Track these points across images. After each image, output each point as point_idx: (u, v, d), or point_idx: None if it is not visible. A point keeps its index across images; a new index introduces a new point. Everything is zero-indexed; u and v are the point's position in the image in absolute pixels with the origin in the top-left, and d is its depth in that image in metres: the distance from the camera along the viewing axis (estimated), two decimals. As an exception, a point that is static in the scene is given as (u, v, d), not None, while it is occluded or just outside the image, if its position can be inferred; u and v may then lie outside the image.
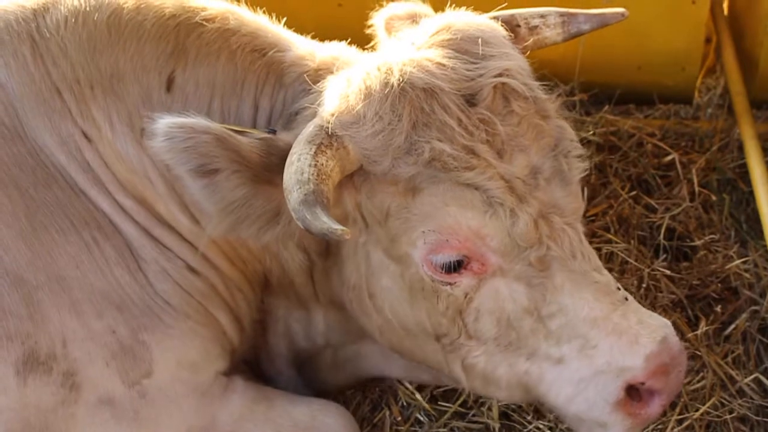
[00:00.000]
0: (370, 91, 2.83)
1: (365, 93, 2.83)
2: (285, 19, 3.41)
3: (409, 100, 2.79)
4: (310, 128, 2.81)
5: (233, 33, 3.23)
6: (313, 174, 2.67)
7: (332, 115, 2.82)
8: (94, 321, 3.05)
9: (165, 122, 2.77)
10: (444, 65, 2.87)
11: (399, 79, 2.81)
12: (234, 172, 2.82)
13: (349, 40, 3.38)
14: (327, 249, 3.25)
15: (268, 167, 2.85)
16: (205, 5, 3.27)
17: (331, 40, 3.38)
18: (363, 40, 3.41)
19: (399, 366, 3.64)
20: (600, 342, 2.87)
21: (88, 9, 3.16)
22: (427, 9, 3.31)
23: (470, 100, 2.85)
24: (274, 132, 3.03)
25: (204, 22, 3.21)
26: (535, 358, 2.96)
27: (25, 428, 2.95)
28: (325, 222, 2.57)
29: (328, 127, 2.79)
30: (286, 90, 3.21)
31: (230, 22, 3.24)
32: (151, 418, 3.12)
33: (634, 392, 2.91)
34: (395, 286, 3.03)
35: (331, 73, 3.05)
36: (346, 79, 2.91)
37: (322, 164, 2.71)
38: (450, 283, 2.92)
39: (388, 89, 2.81)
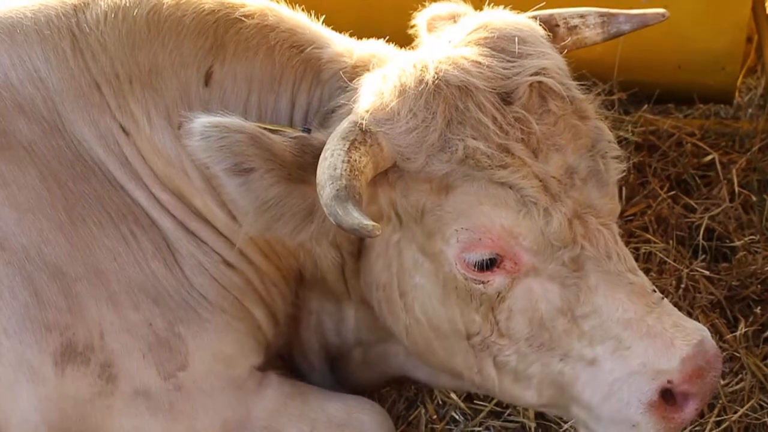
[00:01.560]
0: (405, 88, 2.83)
1: (400, 90, 2.83)
2: (323, 17, 3.42)
3: (443, 98, 2.79)
4: (344, 124, 2.81)
5: (272, 29, 3.24)
6: (346, 170, 2.67)
7: (366, 111, 2.83)
8: (131, 313, 3.08)
9: (201, 122, 2.80)
10: (480, 63, 2.87)
11: (434, 77, 2.81)
12: (268, 171, 2.83)
13: (386, 38, 3.38)
14: (359, 247, 3.26)
15: (302, 166, 2.86)
16: (244, 2, 3.29)
17: (368, 38, 3.39)
18: (401, 40, 3.40)
19: (423, 369, 3.65)
20: (634, 344, 2.85)
21: (127, 5, 3.19)
22: (468, 9, 3.30)
23: (506, 99, 2.85)
24: (308, 131, 3.04)
25: (243, 18, 3.22)
26: (568, 359, 2.95)
27: (62, 419, 2.99)
28: (356, 218, 2.58)
29: (362, 124, 2.79)
30: (323, 87, 3.22)
31: (269, 19, 3.26)
32: (186, 410, 3.14)
33: (668, 396, 2.88)
34: (428, 283, 3.03)
35: (368, 70, 3.06)
36: (382, 76, 2.92)
37: (356, 160, 2.71)
38: (483, 282, 2.91)
39: (422, 86, 2.81)
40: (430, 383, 3.79)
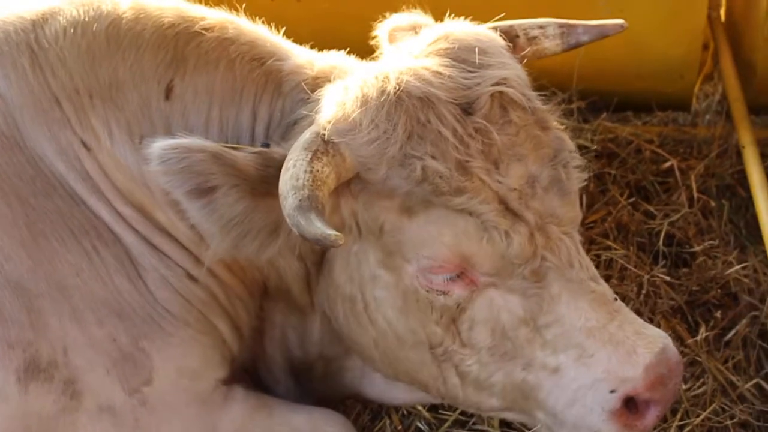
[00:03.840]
0: (367, 98, 2.83)
1: (362, 101, 2.83)
2: (284, 29, 3.42)
3: (405, 109, 2.80)
4: (306, 135, 2.81)
5: (232, 42, 3.24)
6: (308, 180, 2.67)
7: (329, 122, 2.83)
8: (95, 329, 3.06)
9: (159, 145, 2.78)
10: (441, 74, 2.87)
11: (395, 87, 2.81)
12: (232, 186, 2.82)
13: (347, 50, 3.39)
14: (322, 258, 3.25)
15: (266, 179, 2.85)
16: (203, 15, 3.28)
17: (329, 50, 3.39)
18: (362, 51, 3.41)
19: (375, 386, 3.66)
20: (597, 352, 2.86)
21: (86, 19, 3.17)
22: (429, 20, 3.31)
23: (467, 110, 2.85)
24: (267, 145, 3.05)
25: (203, 31, 3.22)
26: (531, 368, 2.96)
27: (26, 436, 2.96)
28: (319, 228, 2.58)
29: (324, 134, 2.79)
30: (284, 98, 3.22)
31: (229, 32, 3.25)
32: (151, 426, 3.12)
33: (630, 403, 2.90)
34: (389, 296, 3.03)
35: (330, 81, 3.06)
36: (344, 87, 2.92)
37: (318, 170, 2.71)
38: (444, 292, 2.92)
39: (384, 97, 2.81)
40: (383, 401, 3.79)
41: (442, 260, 2.85)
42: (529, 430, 3.62)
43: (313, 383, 3.75)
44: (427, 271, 2.90)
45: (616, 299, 2.96)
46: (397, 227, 2.88)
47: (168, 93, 3.17)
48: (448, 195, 2.79)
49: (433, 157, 2.79)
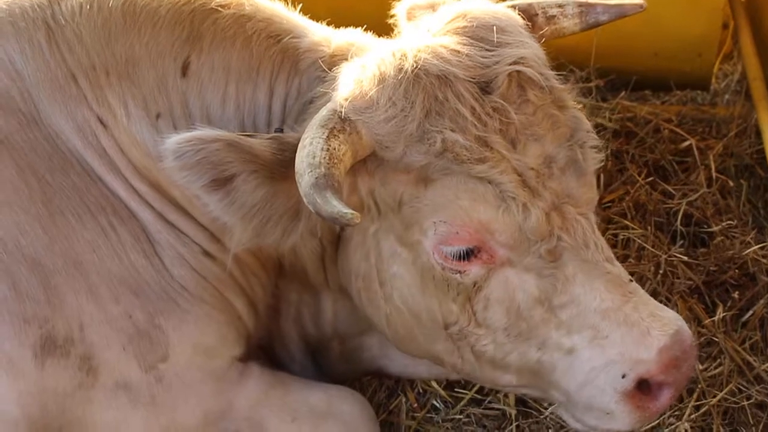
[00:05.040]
0: (384, 76, 2.82)
1: (379, 78, 2.82)
2: (300, 6, 3.41)
3: (422, 87, 2.79)
4: (323, 112, 2.80)
5: (249, 19, 3.23)
6: (324, 158, 2.67)
7: (346, 99, 2.82)
8: (111, 305, 3.07)
9: (173, 141, 2.77)
10: (459, 52, 2.86)
11: (413, 65, 2.81)
12: (251, 173, 2.82)
13: (364, 27, 3.37)
14: (338, 237, 3.26)
15: (283, 163, 2.85)
16: (220, -9, 3.28)
17: (346, 27, 3.37)
18: (379, 28, 3.40)
19: (396, 363, 3.67)
20: (611, 333, 2.86)
21: None
22: None
23: (485, 88, 2.84)
24: (281, 131, 3.05)
25: (219, 8, 3.21)
26: (545, 348, 2.96)
27: (42, 412, 2.97)
28: (335, 206, 2.58)
29: (341, 112, 2.79)
30: (301, 76, 3.21)
31: (246, 8, 3.25)
32: (167, 402, 3.14)
33: (643, 385, 2.90)
34: (406, 273, 3.03)
35: (346, 59, 3.05)
36: (361, 65, 2.91)
37: (335, 148, 2.70)
38: (460, 271, 2.92)
39: (401, 75, 2.80)
40: (404, 377, 3.81)
41: (458, 225, 2.84)
42: (546, 407, 3.64)
43: (332, 362, 3.77)
44: (443, 243, 2.89)
45: (631, 281, 2.95)
46: (415, 196, 2.88)
47: (184, 70, 3.17)
48: (468, 163, 2.78)
49: (453, 131, 2.78)
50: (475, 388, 3.82)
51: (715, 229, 4.50)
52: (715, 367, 3.86)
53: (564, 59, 3.62)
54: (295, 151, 2.76)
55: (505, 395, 3.79)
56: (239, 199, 2.84)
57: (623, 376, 2.86)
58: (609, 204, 4.61)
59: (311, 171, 2.65)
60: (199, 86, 3.18)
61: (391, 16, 3.39)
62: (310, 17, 3.41)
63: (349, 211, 2.57)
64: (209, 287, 3.27)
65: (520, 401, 3.79)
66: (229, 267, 3.26)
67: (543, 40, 3.12)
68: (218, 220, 2.95)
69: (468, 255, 2.88)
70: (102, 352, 3.04)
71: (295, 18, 3.34)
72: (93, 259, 3.07)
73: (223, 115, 3.19)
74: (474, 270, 2.91)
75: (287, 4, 3.39)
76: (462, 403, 3.80)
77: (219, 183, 2.81)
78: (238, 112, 3.20)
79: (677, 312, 3.13)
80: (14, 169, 3.04)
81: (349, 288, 3.30)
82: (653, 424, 3.57)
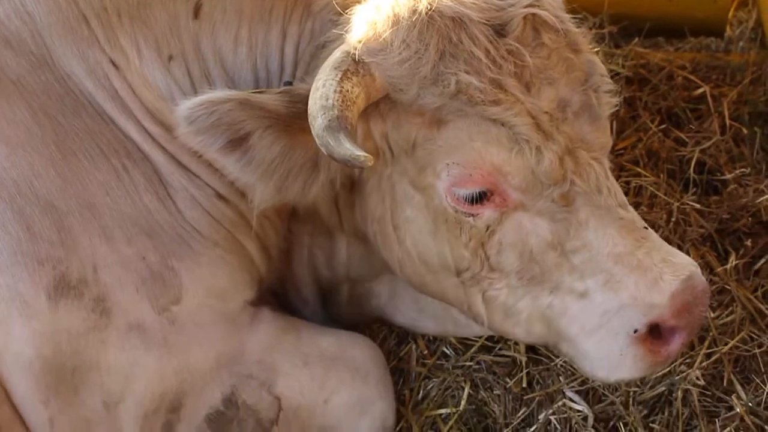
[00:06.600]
0: (398, 18, 2.80)
1: (393, 20, 2.81)
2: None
3: (437, 29, 2.77)
4: (336, 54, 2.79)
5: None
6: (338, 100, 2.67)
7: (359, 41, 2.81)
8: (124, 247, 3.07)
9: (184, 107, 2.77)
10: (473, -6, 2.84)
11: (427, 7, 2.78)
12: (266, 129, 2.82)
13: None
14: (352, 181, 3.25)
15: (297, 115, 2.84)
16: (232, -68, 3.25)
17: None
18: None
19: (404, 315, 3.69)
20: (624, 278, 2.86)
21: None
22: None
23: (499, 31, 2.82)
24: (290, 83, 3.04)
25: None
26: (558, 292, 2.96)
27: (55, 353, 2.98)
28: (348, 148, 2.58)
29: (354, 54, 2.78)
30: (314, 18, 3.19)
31: None
32: (180, 344, 3.14)
33: (655, 330, 2.90)
34: (419, 216, 3.03)
35: (359, 1, 3.02)
36: (375, 7, 2.89)
37: (348, 90, 2.70)
38: (473, 215, 2.92)
39: (416, 17, 2.78)
40: (410, 330, 3.83)
41: (472, 166, 2.84)
42: (557, 356, 3.64)
43: (340, 307, 3.78)
44: (456, 185, 2.88)
45: (645, 227, 2.95)
46: (428, 137, 2.87)
47: (197, 11, 3.15)
48: (482, 105, 2.78)
49: (467, 73, 2.77)
50: (485, 335, 3.82)
51: (728, 176, 4.47)
52: (727, 315, 3.85)
53: (577, 5, 3.58)
54: (306, 102, 2.75)
55: (516, 342, 3.79)
56: (257, 156, 2.85)
57: (636, 320, 2.86)
58: (621, 151, 4.58)
59: (324, 113, 2.65)
60: (212, 28, 3.16)
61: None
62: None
63: (362, 153, 2.57)
64: (222, 230, 3.27)
65: (531, 349, 3.79)
66: (255, 228, 3.27)
67: (558, -17, 3.10)
68: (238, 181, 2.96)
69: (481, 198, 2.88)
70: (115, 294, 3.05)
71: (308, -41, 3.31)
72: (106, 201, 3.07)
73: (236, 57, 3.18)
74: (487, 213, 2.91)
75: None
76: (472, 350, 3.80)
77: (235, 143, 2.82)
78: (250, 54, 3.18)
79: (690, 260, 3.12)
80: (27, 110, 3.03)
81: (366, 231, 3.31)
82: (664, 371, 3.57)
